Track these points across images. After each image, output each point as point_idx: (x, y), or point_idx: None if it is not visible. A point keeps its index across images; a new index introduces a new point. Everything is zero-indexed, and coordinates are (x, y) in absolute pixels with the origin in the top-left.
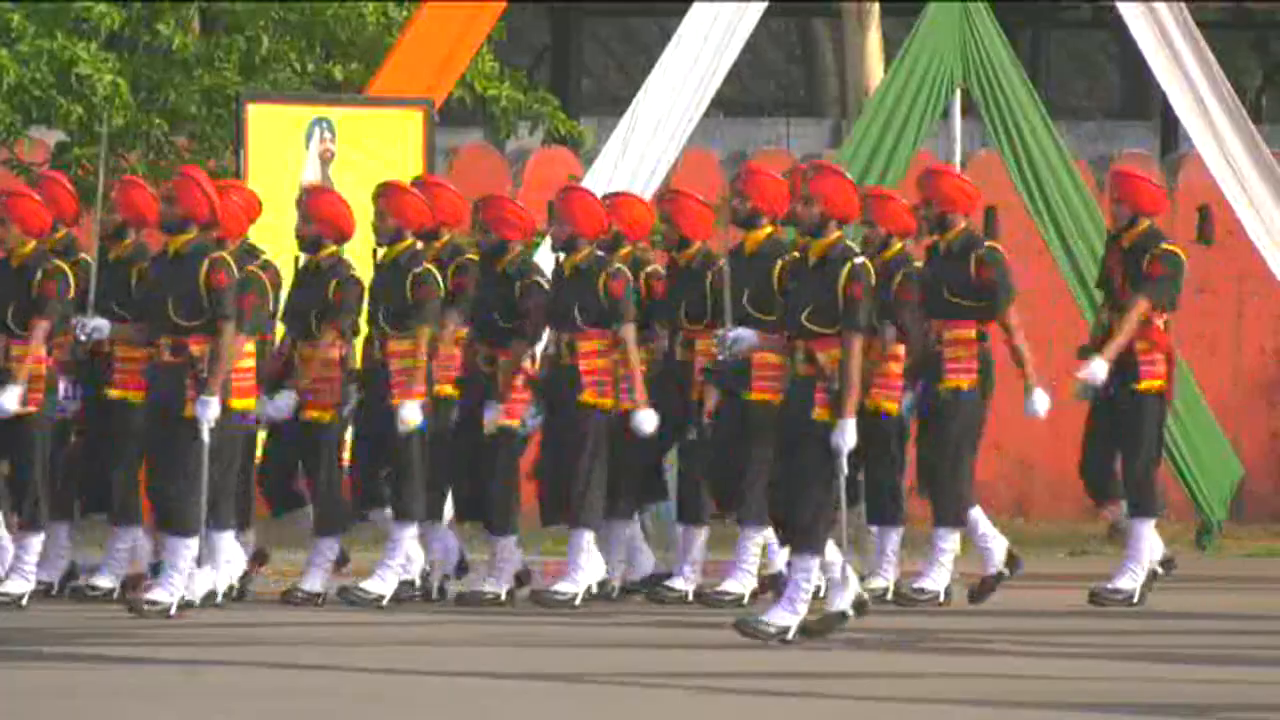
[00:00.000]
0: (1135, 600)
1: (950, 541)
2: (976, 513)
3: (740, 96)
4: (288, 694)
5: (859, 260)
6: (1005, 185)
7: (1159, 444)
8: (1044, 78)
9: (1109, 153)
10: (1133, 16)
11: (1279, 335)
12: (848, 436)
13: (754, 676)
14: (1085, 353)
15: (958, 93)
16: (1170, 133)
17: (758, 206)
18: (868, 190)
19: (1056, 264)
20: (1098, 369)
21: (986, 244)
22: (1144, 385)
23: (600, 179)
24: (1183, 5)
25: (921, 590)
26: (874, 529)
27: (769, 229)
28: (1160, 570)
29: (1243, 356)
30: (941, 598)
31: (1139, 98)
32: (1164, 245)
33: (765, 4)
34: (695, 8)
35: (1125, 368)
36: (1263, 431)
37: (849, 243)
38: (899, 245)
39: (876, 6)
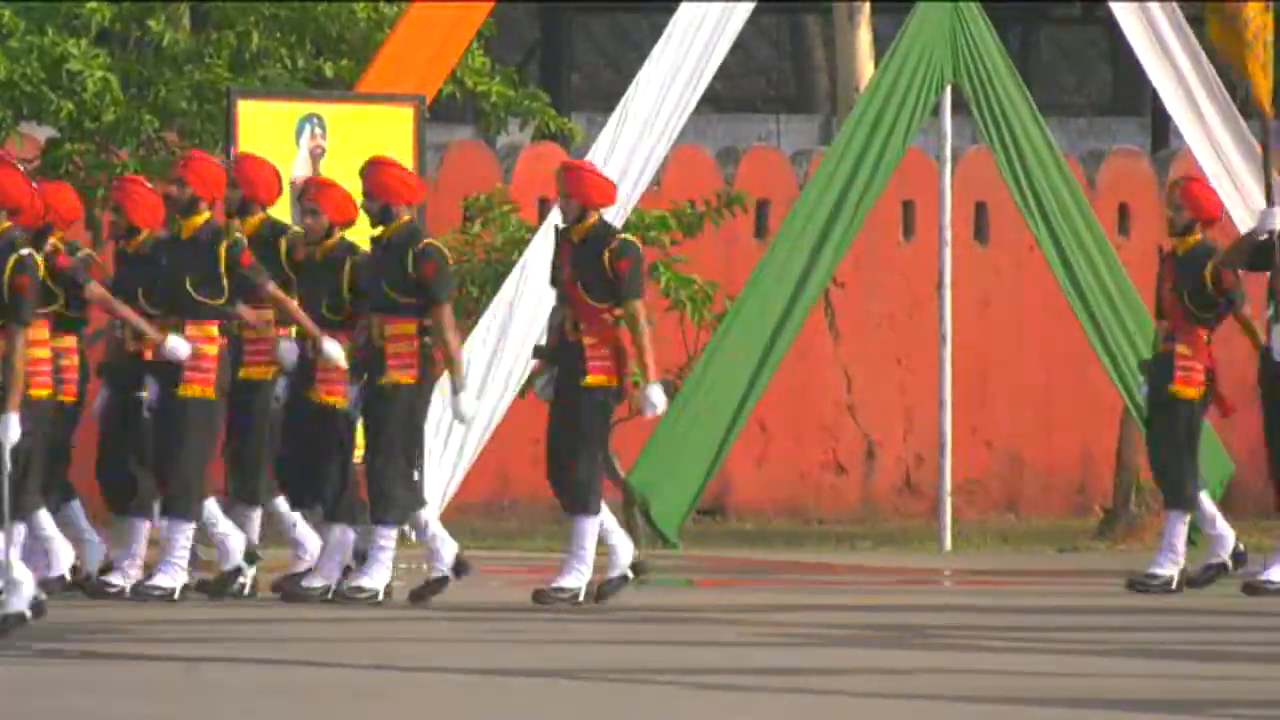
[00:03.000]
0: (580, 599)
1: (389, 539)
2: (429, 513)
3: (731, 93)
4: (283, 690)
5: (25, 252)
6: (996, 181)
7: (607, 441)
8: (1034, 74)
9: (1100, 149)
10: (1124, 13)
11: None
12: (10, 431)
13: (748, 673)
14: (539, 353)
15: (948, 89)
16: (1161, 129)
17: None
18: (310, 180)
19: (1046, 260)
20: (654, 395)
21: (425, 240)
22: (590, 380)
23: None
24: (1174, 2)
25: (359, 589)
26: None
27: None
28: (631, 574)
29: (1234, 353)
30: (380, 596)
31: (1129, 94)
32: (620, 237)
33: (754, 2)
34: (685, 5)
35: (574, 363)
36: (1254, 428)
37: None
38: (340, 235)
39: (867, 4)
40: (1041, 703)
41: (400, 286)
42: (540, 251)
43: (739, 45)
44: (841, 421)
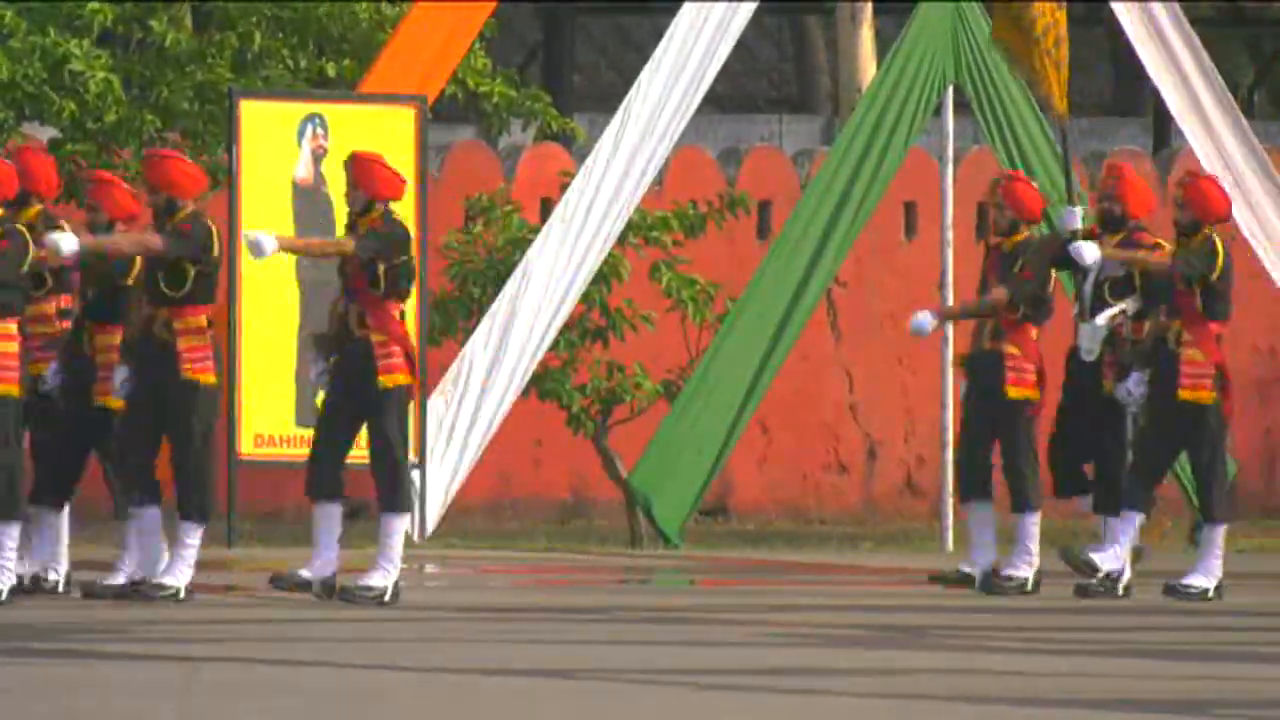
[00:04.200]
0: (386, 599)
1: (195, 536)
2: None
3: (733, 93)
4: (283, 691)
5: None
6: None
7: (405, 439)
8: None
9: (1101, 149)
10: (1125, 13)
11: (1272, 333)
12: None
13: (750, 673)
14: (319, 343)
15: (950, 89)
16: (1162, 129)
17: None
18: (91, 174)
19: None
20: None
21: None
22: (384, 380)
23: (593, 176)
24: (1175, 4)
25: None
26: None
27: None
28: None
29: (1236, 354)
30: (182, 594)
31: (1131, 94)
32: (404, 226)
33: (757, 2)
34: (687, 6)
35: (364, 362)
36: (1256, 429)
37: None
38: (121, 227)
39: (869, 4)
40: (1042, 703)
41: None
42: (542, 252)
43: (741, 46)
44: (843, 422)
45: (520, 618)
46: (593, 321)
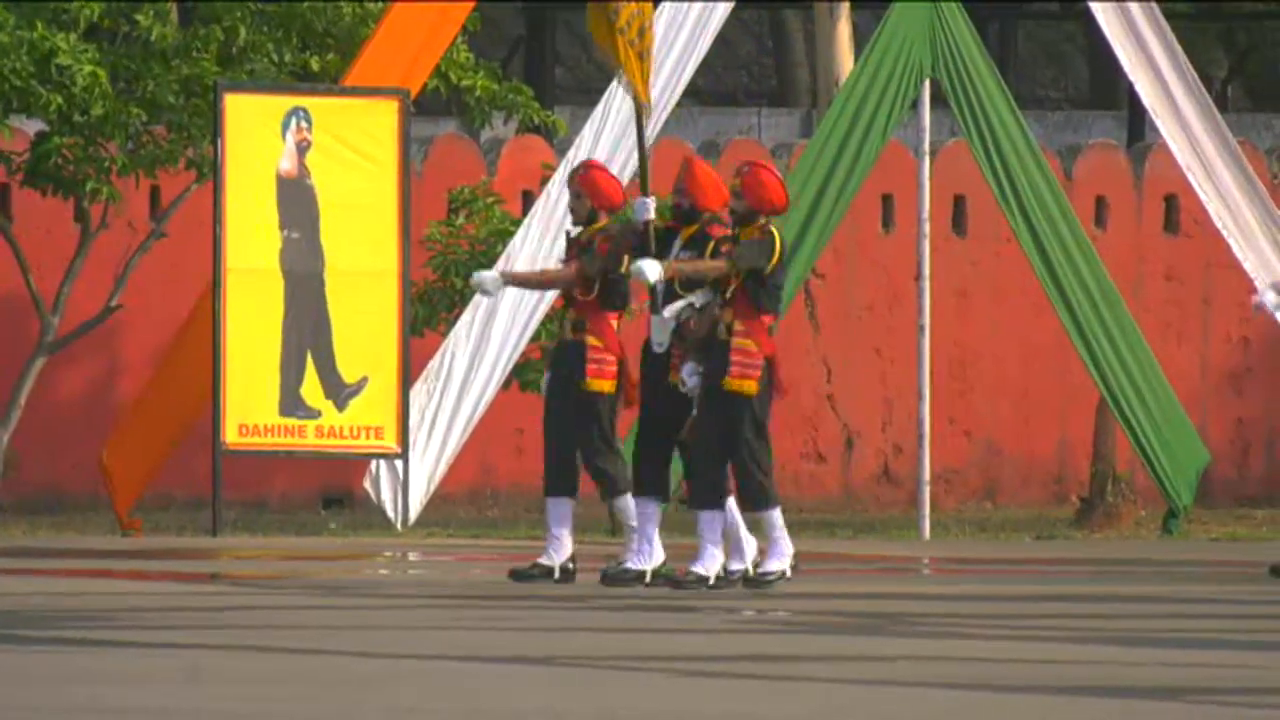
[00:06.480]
0: None
1: None
2: None
3: (713, 87)
4: (273, 678)
5: None
6: (974, 175)
7: None
8: (1012, 69)
9: (1077, 143)
10: (1101, 9)
11: (1245, 324)
12: None
13: (728, 660)
14: None
15: (926, 83)
16: (1137, 123)
17: None
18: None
19: (1024, 252)
20: None
21: None
22: None
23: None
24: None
25: None
26: None
27: None
28: None
29: (1210, 345)
30: None
31: (1106, 88)
32: None
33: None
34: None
35: None
36: (1229, 419)
37: None
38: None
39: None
40: (1019, 689)
41: None
42: (524, 243)
43: (721, 39)
44: (821, 412)
45: (502, 605)
46: None
